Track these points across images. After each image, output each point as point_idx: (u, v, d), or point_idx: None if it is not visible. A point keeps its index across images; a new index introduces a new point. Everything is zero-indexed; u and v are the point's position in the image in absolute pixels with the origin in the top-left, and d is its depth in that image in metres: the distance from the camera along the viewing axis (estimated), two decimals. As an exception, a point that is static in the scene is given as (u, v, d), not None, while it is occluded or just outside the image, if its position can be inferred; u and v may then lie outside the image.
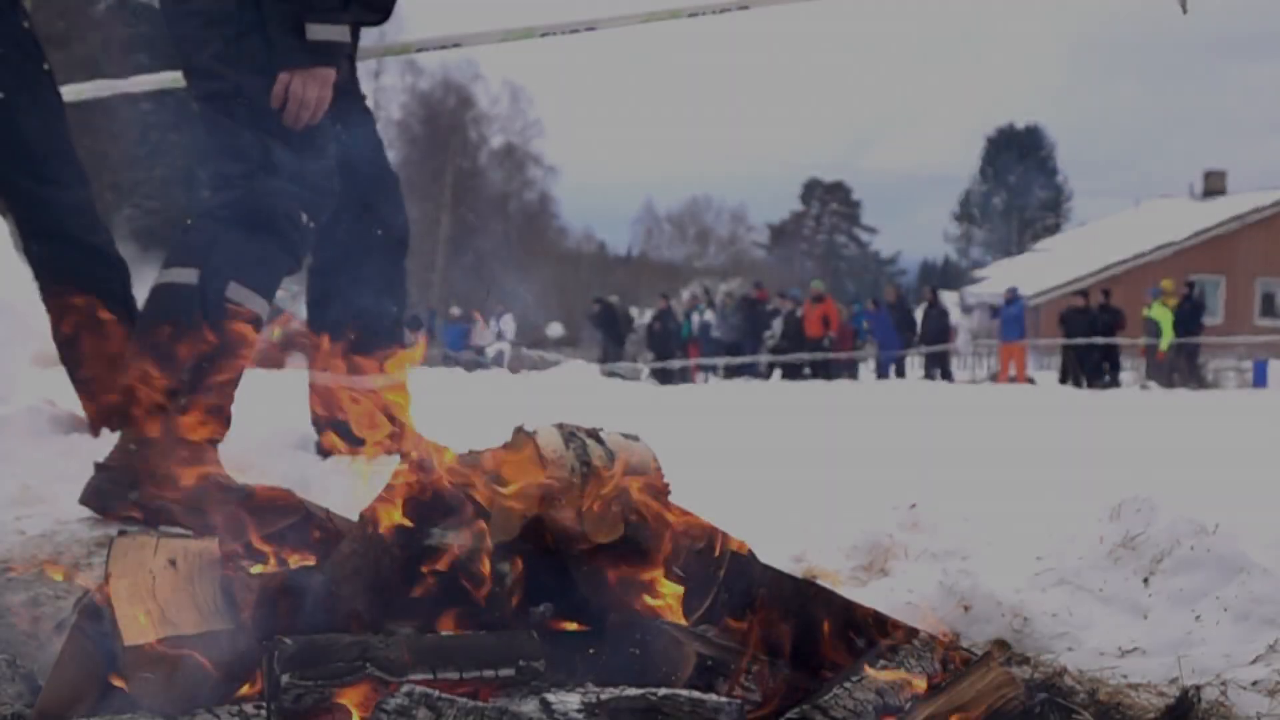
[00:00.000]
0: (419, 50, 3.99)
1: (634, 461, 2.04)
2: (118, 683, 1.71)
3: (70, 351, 3.36)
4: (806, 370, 21.79)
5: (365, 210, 3.24)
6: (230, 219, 2.77)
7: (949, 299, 29.49)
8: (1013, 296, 22.63)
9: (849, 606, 1.98)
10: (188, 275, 2.73)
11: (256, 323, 2.80)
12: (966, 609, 2.43)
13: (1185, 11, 2.73)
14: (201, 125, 2.91)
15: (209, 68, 2.84)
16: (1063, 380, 20.89)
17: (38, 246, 3.33)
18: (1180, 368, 20.38)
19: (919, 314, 23.56)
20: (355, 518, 1.98)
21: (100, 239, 3.34)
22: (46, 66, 3.27)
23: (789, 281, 38.97)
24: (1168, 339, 20.59)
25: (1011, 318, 22.07)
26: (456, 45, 3.74)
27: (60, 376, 3.47)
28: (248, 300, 2.75)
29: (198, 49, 2.85)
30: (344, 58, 2.93)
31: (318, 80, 2.82)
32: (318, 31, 2.79)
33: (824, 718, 1.67)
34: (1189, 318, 21.21)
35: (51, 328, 3.39)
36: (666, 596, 1.95)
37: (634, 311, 30.66)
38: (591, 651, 1.83)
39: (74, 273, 3.30)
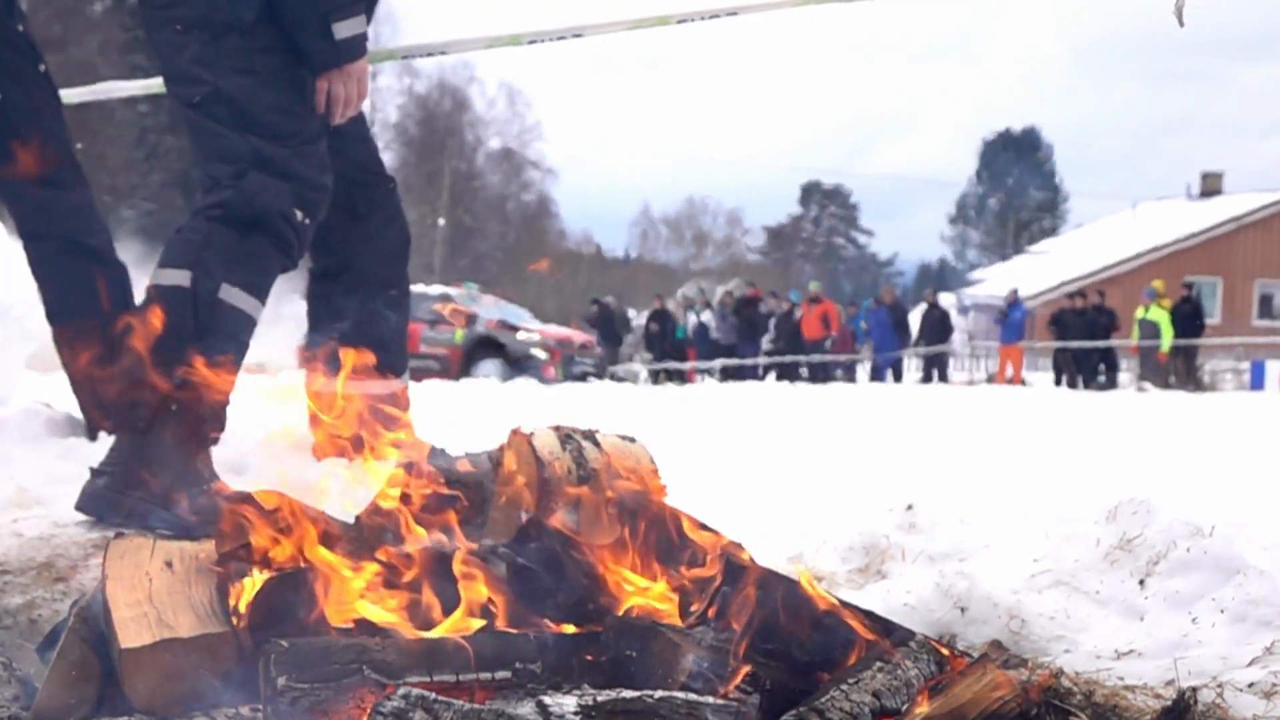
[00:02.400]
0: (405, 57, 3.98)
1: (630, 463, 2.04)
2: (114, 685, 1.71)
3: (68, 353, 3.36)
4: (804, 371, 21.78)
5: (364, 214, 3.24)
6: (222, 219, 2.76)
7: (945, 300, 29.53)
8: (1015, 299, 22.64)
9: (846, 608, 1.98)
10: (180, 277, 2.72)
11: (250, 324, 2.79)
12: (963, 610, 2.43)
13: (1182, 25, 2.73)
14: (188, 130, 2.91)
15: (188, 72, 2.84)
16: (1057, 382, 20.90)
17: (35, 248, 3.33)
18: (1177, 369, 20.38)
19: (917, 315, 23.57)
20: (351, 520, 1.98)
21: (99, 240, 3.34)
22: (43, 68, 3.27)
23: (787, 283, 38.97)
24: (1168, 339, 20.57)
25: (1016, 322, 22.10)
26: (444, 52, 3.72)
27: (57, 379, 3.47)
28: (241, 302, 2.74)
29: (176, 54, 2.85)
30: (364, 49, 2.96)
31: (354, 76, 2.90)
32: (343, 29, 2.82)
33: (820, 720, 1.67)
34: (1191, 320, 21.18)
35: (50, 330, 3.39)
36: (663, 598, 1.95)
37: (631, 313, 30.63)
38: (588, 654, 1.83)
39: (71, 274, 3.30)
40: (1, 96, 3.15)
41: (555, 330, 21.03)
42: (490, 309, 20.21)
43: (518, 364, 18.17)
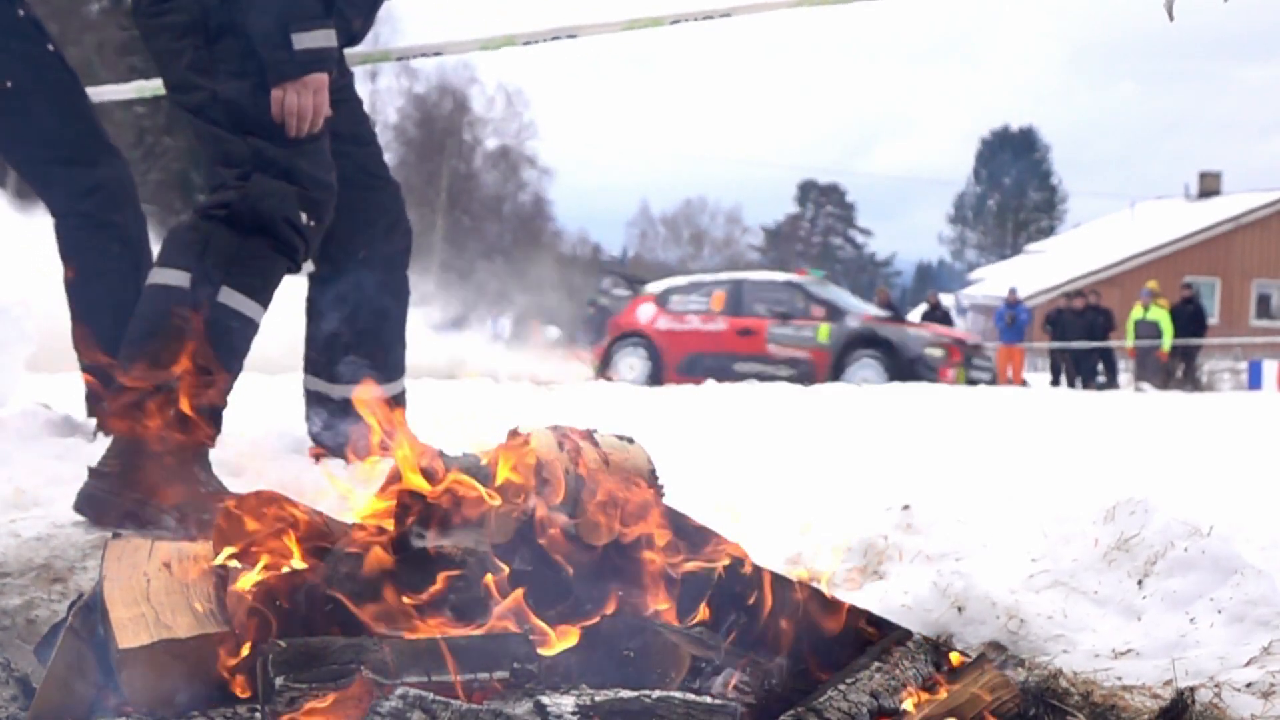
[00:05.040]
0: (399, 58, 3.99)
1: (628, 464, 2.04)
2: (112, 686, 1.71)
3: (81, 332, 3.35)
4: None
5: (366, 219, 3.23)
6: (225, 219, 2.74)
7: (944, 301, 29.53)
8: (1016, 300, 22.64)
9: (843, 608, 1.98)
10: (179, 278, 2.72)
11: (251, 328, 2.78)
12: (961, 610, 2.43)
13: (1171, 19, 2.74)
14: (196, 136, 2.90)
15: (187, 79, 2.82)
16: (1055, 382, 20.90)
17: (61, 225, 3.34)
18: (1175, 370, 20.38)
19: (916, 316, 23.56)
20: (349, 521, 1.98)
21: (124, 217, 3.31)
22: (51, 48, 3.27)
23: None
24: (1169, 339, 20.57)
25: (1020, 322, 22.12)
26: (437, 54, 3.73)
27: (56, 379, 3.46)
28: (241, 305, 2.73)
29: (174, 61, 2.83)
30: (335, 62, 2.91)
31: (311, 89, 2.80)
32: (304, 40, 2.77)
33: (818, 720, 1.68)
34: (1193, 321, 21.17)
35: (70, 310, 3.38)
36: (661, 598, 1.95)
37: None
38: (586, 654, 1.83)
39: (91, 252, 3.29)
40: (11, 82, 3.15)
41: (941, 326, 18.23)
42: (847, 300, 17.13)
43: (907, 366, 15.09)
